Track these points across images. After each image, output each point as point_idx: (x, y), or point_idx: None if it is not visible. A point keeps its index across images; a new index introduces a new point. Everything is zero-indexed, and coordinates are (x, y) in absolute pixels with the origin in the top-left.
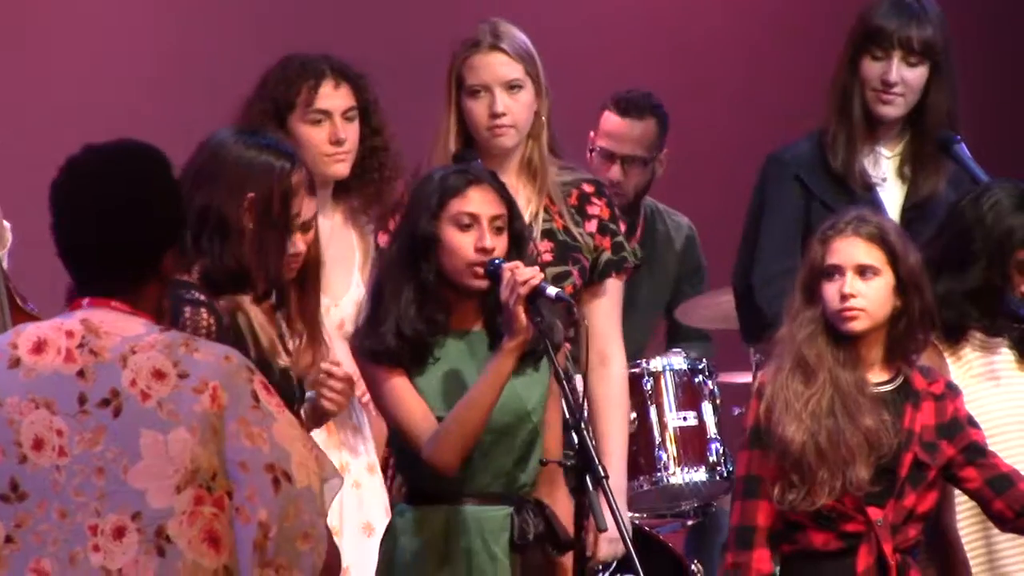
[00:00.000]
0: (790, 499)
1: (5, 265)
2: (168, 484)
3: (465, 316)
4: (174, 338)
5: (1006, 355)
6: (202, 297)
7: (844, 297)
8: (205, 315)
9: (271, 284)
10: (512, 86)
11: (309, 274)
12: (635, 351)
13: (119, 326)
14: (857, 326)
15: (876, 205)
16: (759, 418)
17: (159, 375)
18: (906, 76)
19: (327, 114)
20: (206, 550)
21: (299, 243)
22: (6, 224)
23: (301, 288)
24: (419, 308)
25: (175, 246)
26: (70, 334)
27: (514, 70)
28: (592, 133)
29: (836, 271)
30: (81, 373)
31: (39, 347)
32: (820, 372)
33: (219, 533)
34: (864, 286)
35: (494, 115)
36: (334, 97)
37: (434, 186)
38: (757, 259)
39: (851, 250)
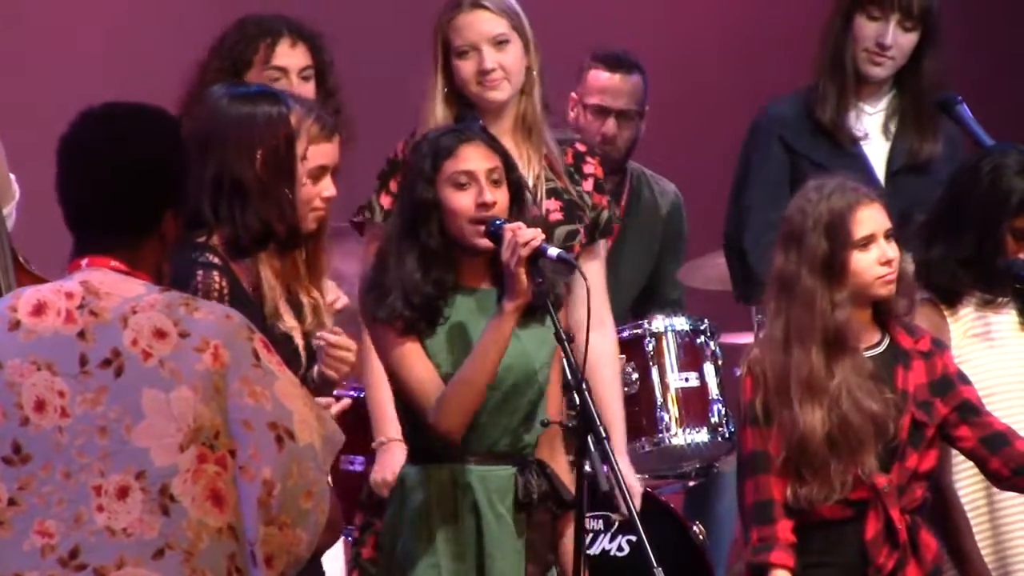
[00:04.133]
0: (804, 494)
1: (13, 220)
2: (171, 443)
3: (474, 274)
4: (173, 298)
5: (1009, 316)
6: (215, 260)
7: (888, 262)
8: (216, 278)
9: (291, 233)
10: (499, 41)
11: (321, 236)
12: (617, 317)
13: (119, 287)
14: (894, 290)
15: (862, 159)
16: (762, 397)
17: (160, 335)
18: (900, 40)
19: (284, 71)
20: (210, 508)
21: (325, 190)
22: (11, 176)
23: (313, 249)
24: (424, 273)
25: (176, 209)
26: (70, 295)
27: (499, 25)
28: (574, 95)
29: (870, 240)
30: (82, 334)
31: (39, 309)
32: (847, 353)
33: (222, 491)
34: (893, 249)
35: (483, 72)
36: (291, 55)
37: (426, 151)
38: (745, 220)
39: (879, 216)
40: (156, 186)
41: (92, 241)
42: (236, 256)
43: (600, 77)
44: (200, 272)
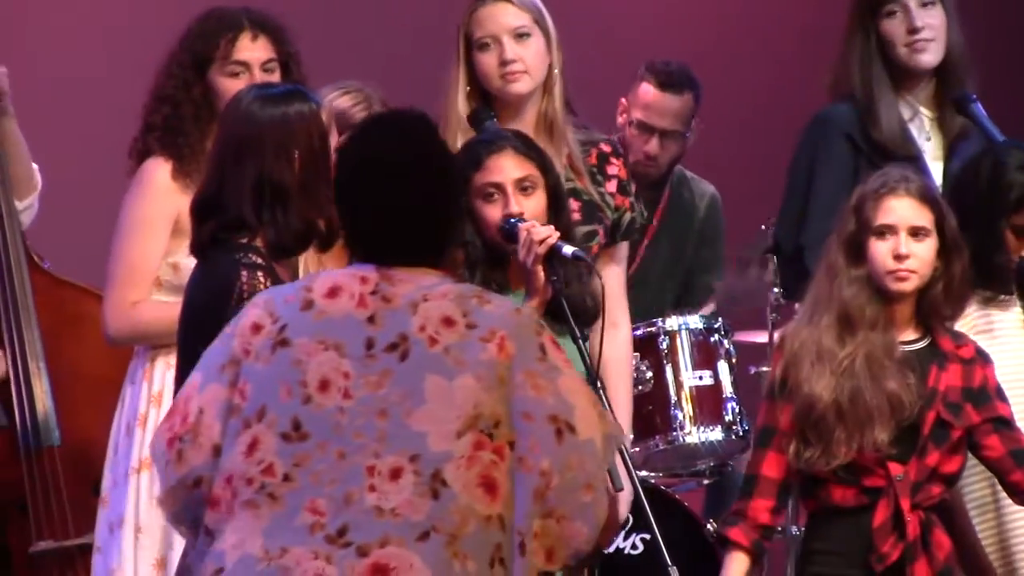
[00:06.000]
0: (806, 457)
1: (35, 210)
2: (449, 429)
3: (515, 278)
4: (466, 290)
5: (1014, 313)
6: (259, 260)
7: (899, 257)
8: (261, 278)
9: (331, 229)
10: (520, 34)
11: None
12: (646, 316)
13: (414, 275)
14: (907, 287)
15: (920, 162)
16: (780, 370)
17: (448, 322)
18: (928, 20)
19: (246, 66)
20: (481, 495)
21: None
22: (35, 167)
23: None
24: (471, 274)
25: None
26: (364, 280)
27: (520, 18)
28: (624, 101)
29: (889, 230)
30: (371, 319)
31: (333, 292)
32: (860, 331)
33: (496, 480)
34: (917, 247)
35: (504, 63)
36: (252, 49)
37: (459, 161)
38: (808, 219)
39: (906, 210)
40: (460, 199)
41: (396, 256)
42: (279, 256)
43: (648, 92)
44: (245, 273)
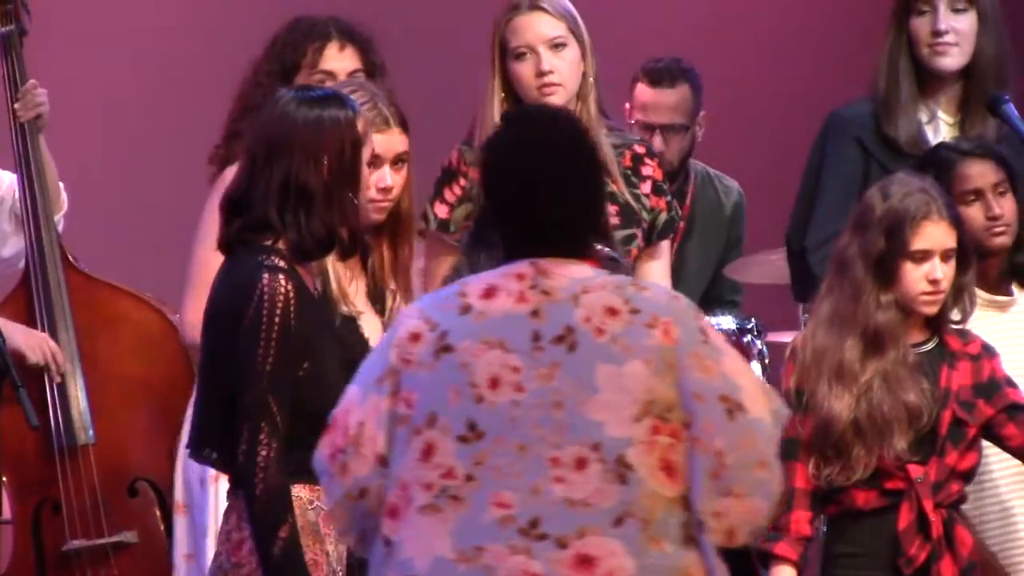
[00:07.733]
0: (826, 474)
1: (60, 228)
2: (625, 415)
3: None
4: (623, 280)
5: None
6: (281, 263)
7: (935, 282)
8: (283, 281)
9: (353, 238)
10: (556, 45)
11: (401, 228)
12: None
13: (568, 269)
14: (936, 310)
15: None
16: (796, 382)
17: (612, 312)
18: (955, 25)
19: (332, 76)
20: (664, 479)
21: (388, 176)
22: (60, 185)
23: (392, 242)
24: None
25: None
26: (520, 277)
27: (557, 28)
28: (627, 106)
29: (925, 255)
30: (534, 312)
31: (489, 292)
32: (888, 351)
33: (675, 463)
34: (946, 268)
35: (541, 74)
36: (339, 59)
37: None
38: (813, 220)
39: (941, 235)
40: (605, 191)
41: (548, 249)
42: (300, 260)
43: (644, 92)
44: (266, 276)
